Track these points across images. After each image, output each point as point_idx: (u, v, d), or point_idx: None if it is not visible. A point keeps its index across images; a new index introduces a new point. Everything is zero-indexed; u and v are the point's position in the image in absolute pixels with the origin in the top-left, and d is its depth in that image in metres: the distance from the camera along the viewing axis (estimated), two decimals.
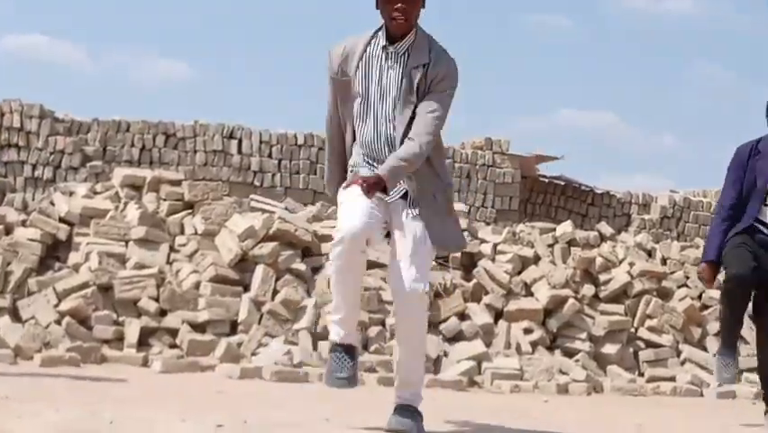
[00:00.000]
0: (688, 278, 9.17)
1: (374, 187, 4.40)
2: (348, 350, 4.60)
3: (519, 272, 8.61)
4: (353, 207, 4.52)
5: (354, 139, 4.78)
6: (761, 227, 5.92)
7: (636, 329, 8.60)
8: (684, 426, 5.83)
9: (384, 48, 4.66)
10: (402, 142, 4.59)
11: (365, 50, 4.71)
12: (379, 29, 4.72)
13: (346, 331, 4.68)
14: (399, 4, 4.53)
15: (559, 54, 41.98)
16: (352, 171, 4.75)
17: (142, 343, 7.42)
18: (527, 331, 8.14)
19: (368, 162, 4.69)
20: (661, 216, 19.12)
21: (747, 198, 5.99)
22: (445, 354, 7.76)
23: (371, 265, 8.23)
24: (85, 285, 7.58)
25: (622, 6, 41.82)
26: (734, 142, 6.27)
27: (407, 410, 4.62)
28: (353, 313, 4.87)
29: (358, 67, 4.69)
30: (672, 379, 8.12)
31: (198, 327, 7.57)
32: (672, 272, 9.22)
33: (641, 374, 8.27)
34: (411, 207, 4.63)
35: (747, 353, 8.64)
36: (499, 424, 5.08)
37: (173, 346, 7.44)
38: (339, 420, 4.75)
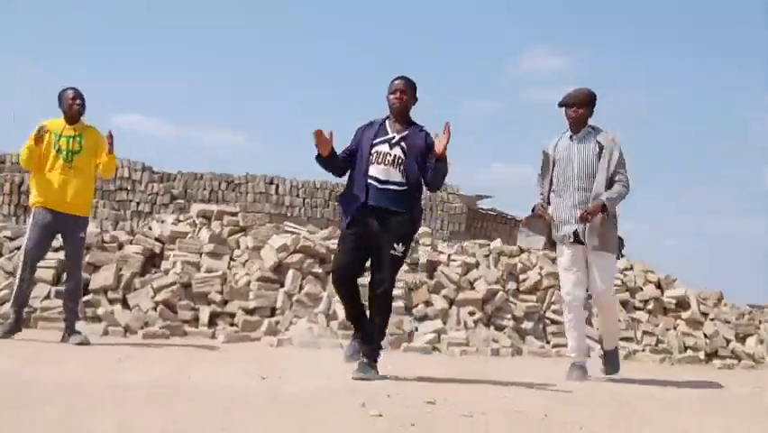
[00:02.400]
0: None
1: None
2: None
3: (465, 274, 8.63)
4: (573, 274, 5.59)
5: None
6: None
7: (545, 312, 8.61)
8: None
9: (570, 138, 5.57)
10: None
11: (557, 142, 5.63)
12: (565, 131, 5.65)
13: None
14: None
15: (490, 127, 42.26)
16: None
17: (211, 323, 7.41)
18: (471, 313, 8.14)
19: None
20: None
21: None
22: (416, 329, 7.76)
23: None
24: (172, 283, 7.56)
25: (531, 96, 42.16)
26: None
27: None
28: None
29: (555, 150, 5.60)
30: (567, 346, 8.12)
31: (249, 312, 7.55)
32: None
33: (548, 342, 8.28)
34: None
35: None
36: (453, 376, 5.09)
37: (232, 325, 7.43)
38: (340, 375, 4.75)
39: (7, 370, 4.12)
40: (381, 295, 4.65)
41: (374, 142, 4.78)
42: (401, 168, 4.72)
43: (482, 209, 19.46)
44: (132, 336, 6.83)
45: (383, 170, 4.71)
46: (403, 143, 4.77)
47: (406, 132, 4.81)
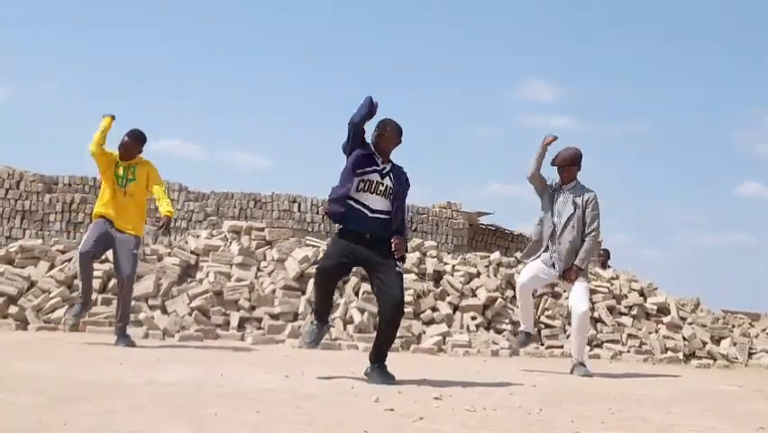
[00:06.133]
0: None
1: None
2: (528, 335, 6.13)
3: (468, 282, 8.60)
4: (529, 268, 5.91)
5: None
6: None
7: (539, 316, 8.57)
8: (560, 375, 5.81)
9: (561, 187, 5.91)
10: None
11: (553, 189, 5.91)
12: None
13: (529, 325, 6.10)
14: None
15: (490, 150, 42.18)
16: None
17: (240, 327, 7.41)
18: (473, 318, 8.12)
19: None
20: None
21: None
22: (423, 333, 7.73)
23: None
24: (206, 291, 7.58)
25: (525, 121, 41.97)
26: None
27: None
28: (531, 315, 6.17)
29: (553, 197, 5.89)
30: (561, 347, 8.07)
31: (274, 317, 7.56)
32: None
33: (542, 344, 8.23)
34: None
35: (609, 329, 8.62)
36: (457, 374, 5.06)
37: (259, 328, 7.43)
38: (355, 373, 4.73)
39: (58, 369, 4.13)
40: (396, 306, 4.34)
41: (367, 169, 4.46)
42: (391, 198, 4.48)
43: (483, 225, 19.41)
44: (169, 338, 6.84)
45: (376, 199, 4.45)
46: (391, 174, 4.52)
47: (391, 164, 4.57)
